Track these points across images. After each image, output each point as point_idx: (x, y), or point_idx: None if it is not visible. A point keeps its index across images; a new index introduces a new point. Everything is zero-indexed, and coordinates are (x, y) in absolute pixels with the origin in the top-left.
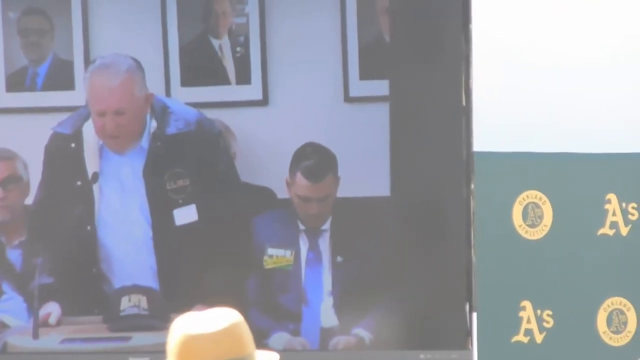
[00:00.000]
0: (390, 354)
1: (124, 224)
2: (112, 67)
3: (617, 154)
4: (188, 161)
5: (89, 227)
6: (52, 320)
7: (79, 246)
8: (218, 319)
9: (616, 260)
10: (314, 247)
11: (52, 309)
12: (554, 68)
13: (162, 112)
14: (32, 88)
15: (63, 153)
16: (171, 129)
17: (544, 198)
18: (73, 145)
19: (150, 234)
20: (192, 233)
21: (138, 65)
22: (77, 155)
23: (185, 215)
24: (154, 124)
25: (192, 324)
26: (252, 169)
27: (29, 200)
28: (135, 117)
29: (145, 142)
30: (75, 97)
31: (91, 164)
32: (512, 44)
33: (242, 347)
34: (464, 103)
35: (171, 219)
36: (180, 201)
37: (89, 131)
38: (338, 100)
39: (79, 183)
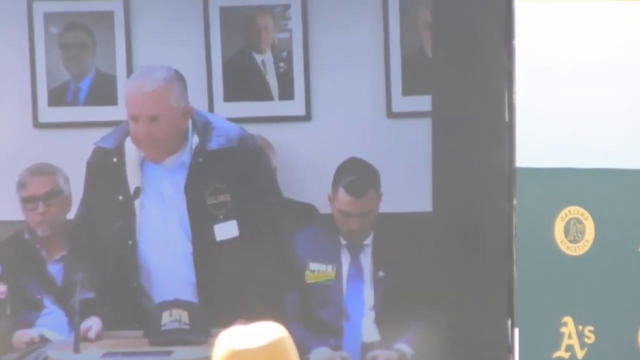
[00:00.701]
0: None
1: (164, 238)
2: (151, 74)
3: None
4: (229, 177)
5: (130, 242)
6: (93, 334)
7: (119, 261)
8: (263, 334)
9: None
10: (355, 262)
11: (92, 323)
12: (597, 83)
13: (204, 128)
14: (74, 103)
15: (105, 168)
16: (213, 145)
17: (586, 214)
18: (115, 160)
19: (191, 248)
20: (233, 248)
21: (178, 76)
22: (119, 170)
23: (226, 230)
24: (195, 139)
25: (237, 339)
26: (294, 184)
27: (71, 215)
28: (171, 127)
29: (186, 157)
30: (117, 112)
31: (133, 179)
32: (555, 59)
33: None
34: (506, 119)
35: (212, 234)
36: (221, 217)
37: (130, 146)
38: (380, 116)
39: (120, 198)
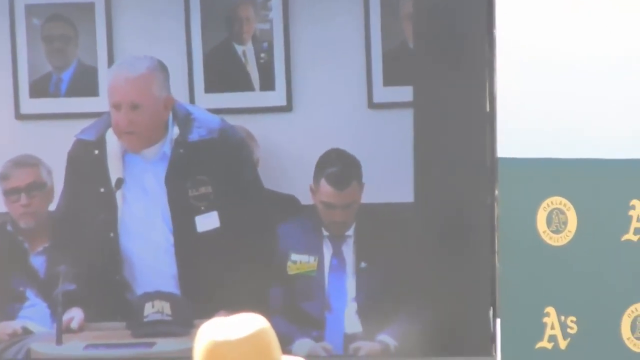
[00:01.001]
0: None
1: (146, 230)
2: (133, 63)
3: None
4: (210, 168)
5: (111, 234)
6: (75, 325)
7: (102, 253)
8: (245, 325)
9: None
10: (337, 254)
11: (75, 315)
12: (578, 74)
13: (184, 119)
14: (56, 94)
15: (86, 160)
16: (194, 136)
17: (568, 204)
18: (96, 152)
19: (172, 240)
20: (214, 240)
21: (161, 66)
22: (101, 162)
23: (207, 222)
24: (176, 131)
25: (219, 330)
26: (276, 175)
27: (53, 207)
28: (152, 116)
29: (167, 148)
30: (99, 104)
31: (114, 171)
32: (536, 49)
33: (269, 353)
34: (488, 109)
35: (193, 225)
36: (203, 208)
37: (112, 138)
38: (362, 107)
39: (102, 190)
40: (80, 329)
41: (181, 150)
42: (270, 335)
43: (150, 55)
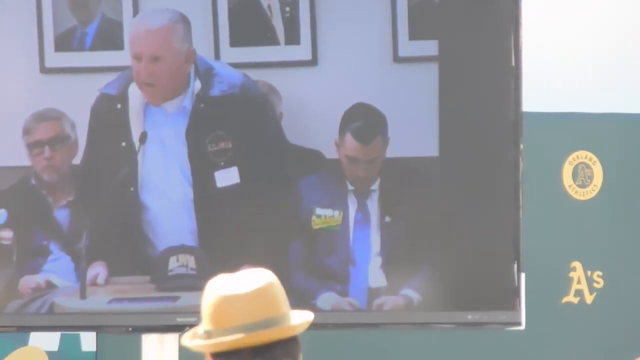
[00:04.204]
0: (438, 314)
1: (166, 185)
2: (155, 15)
3: None
4: (231, 124)
5: (132, 188)
6: (100, 280)
7: (123, 207)
8: (251, 280)
9: None
10: (362, 208)
11: (99, 270)
12: (604, 28)
13: (206, 74)
14: (80, 48)
15: (109, 114)
16: (215, 91)
17: (594, 158)
18: (119, 106)
19: (192, 195)
20: (237, 195)
21: (183, 18)
22: (123, 116)
23: (227, 177)
24: (197, 85)
25: (226, 285)
26: (300, 130)
27: (77, 160)
28: (173, 69)
29: (188, 102)
30: (123, 57)
31: (136, 125)
32: (562, 3)
33: (276, 307)
34: (513, 63)
35: (213, 180)
36: (222, 163)
37: (134, 92)
38: (387, 61)
39: (123, 144)
40: (105, 283)
41: (202, 105)
42: (277, 289)
43: (173, 8)
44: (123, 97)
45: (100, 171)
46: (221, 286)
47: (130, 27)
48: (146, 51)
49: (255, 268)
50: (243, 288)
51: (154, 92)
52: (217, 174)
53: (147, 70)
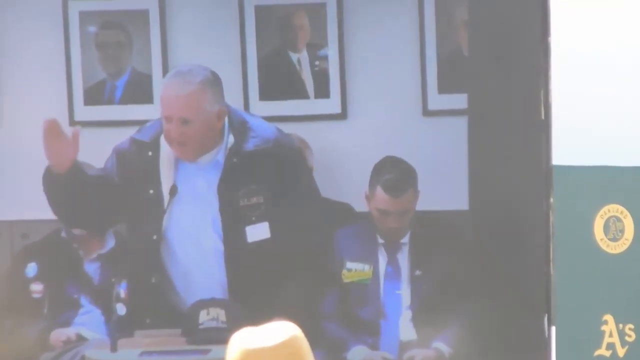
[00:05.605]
0: None
1: (196, 236)
2: (186, 75)
3: None
4: (264, 178)
5: (155, 237)
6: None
7: (148, 257)
8: (276, 333)
9: None
10: (392, 261)
11: (129, 322)
12: (634, 80)
13: (240, 127)
14: (110, 101)
15: (139, 160)
16: (249, 145)
17: (625, 212)
18: (150, 153)
19: (222, 248)
20: (268, 248)
21: (215, 78)
22: (153, 164)
23: (258, 232)
24: (231, 139)
25: (250, 338)
26: (331, 183)
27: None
28: (204, 130)
29: (221, 156)
30: (153, 111)
31: (166, 176)
32: (591, 55)
33: None
34: (543, 116)
35: (244, 235)
36: (254, 218)
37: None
38: (416, 114)
39: (151, 192)
40: (135, 336)
41: (235, 160)
42: (302, 342)
43: (204, 66)
44: (155, 146)
45: (128, 219)
46: (245, 339)
47: (161, 85)
48: (176, 114)
49: (282, 321)
50: (267, 341)
51: (185, 151)
52: (248, 229)
53: (178, 131)
